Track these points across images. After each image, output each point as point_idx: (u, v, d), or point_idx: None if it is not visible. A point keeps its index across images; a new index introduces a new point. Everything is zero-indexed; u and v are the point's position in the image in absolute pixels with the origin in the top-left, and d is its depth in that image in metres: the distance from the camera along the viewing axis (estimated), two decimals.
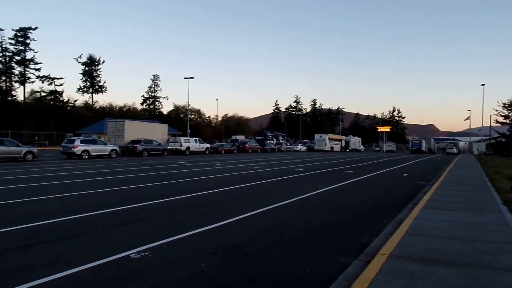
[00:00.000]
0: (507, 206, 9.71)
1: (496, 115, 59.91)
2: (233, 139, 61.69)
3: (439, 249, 5.66)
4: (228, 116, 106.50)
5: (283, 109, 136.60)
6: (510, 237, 6.46)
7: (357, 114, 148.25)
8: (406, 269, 4.70)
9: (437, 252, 5.50)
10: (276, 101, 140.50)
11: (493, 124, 63.61)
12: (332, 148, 71.84)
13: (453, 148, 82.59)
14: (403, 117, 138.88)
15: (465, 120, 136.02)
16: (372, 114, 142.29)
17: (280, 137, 76.53)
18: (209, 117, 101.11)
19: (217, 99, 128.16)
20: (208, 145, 45.59)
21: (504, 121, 58.91)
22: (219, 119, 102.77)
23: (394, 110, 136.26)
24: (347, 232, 7.46)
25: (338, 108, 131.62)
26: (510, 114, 57.13)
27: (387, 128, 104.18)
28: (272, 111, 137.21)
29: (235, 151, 49.09)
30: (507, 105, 57.34)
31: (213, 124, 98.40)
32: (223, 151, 46.35)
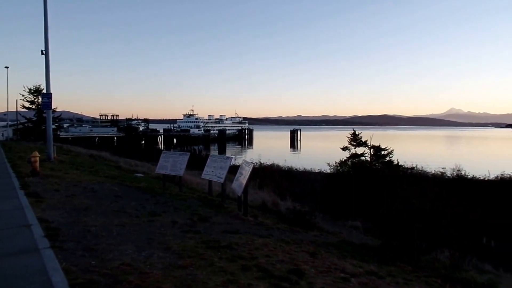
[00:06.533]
0: (24, 190, 10.10)
1: (23, 100, 59.96)
2: None
3: None
4: None
5: None
6: (21, 220, 6.77)
7: None
8: None
9: None
10: None
11: (20, 109, 63.54)
12: None
13: None
14: None
15: None
16: None
17: None
18: None
19: None
20: None
21: (31, 106, 60.08)
22: None
23: None
24: None
25: None
26: (35, 100, 58.91)
27: None
28: None
29: None
30: (32, 91, 58.76)
31: None
32: None
